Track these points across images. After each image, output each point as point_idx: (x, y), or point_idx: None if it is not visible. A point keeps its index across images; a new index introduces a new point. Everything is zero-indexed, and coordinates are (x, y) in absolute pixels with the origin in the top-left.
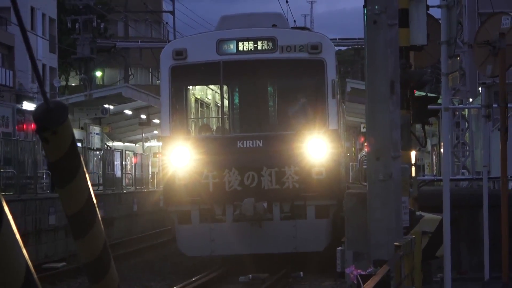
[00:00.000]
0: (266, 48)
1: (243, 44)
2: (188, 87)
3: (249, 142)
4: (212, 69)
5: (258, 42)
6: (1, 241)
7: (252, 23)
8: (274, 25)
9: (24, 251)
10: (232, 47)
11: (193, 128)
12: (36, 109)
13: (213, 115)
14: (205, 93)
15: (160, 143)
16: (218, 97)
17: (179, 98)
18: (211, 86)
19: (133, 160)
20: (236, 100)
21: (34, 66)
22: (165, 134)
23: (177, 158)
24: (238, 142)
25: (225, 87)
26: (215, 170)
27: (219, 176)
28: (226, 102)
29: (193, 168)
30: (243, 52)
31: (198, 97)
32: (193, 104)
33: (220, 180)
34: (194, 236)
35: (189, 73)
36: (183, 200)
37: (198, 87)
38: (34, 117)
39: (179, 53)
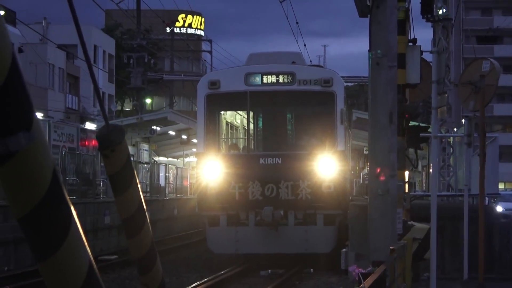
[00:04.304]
0: (286, 81)
1: (267, 77)
2: (220, 112)
3: (270, 159)
4: (241, 98)
5: (280, 76)
6: (69, 242)
7: (275, 60)
8: (293, 62)
9: (87, 249)
10: (257, 79)
11: (223, 147)
12: (99, 130)
13: (241, 136)
14: (234, 117)
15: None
16: (245, 121)
17: (212, 121)
18: (239, 112)
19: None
20: (260, 124)
21: (98, 95)
22: (200, 150)
23: (209, 171)
24: (261, 159)
25: (251, 113)
26: (240, 182)
27: (244, 187)
28: (251, 125)
29: (222, 179)
30: (267, 84)
31: (229, 120)
32: (224, 127)
33: (244, 190)
34: (222, 237)
35: (221, 100)
36: (214, 206)
37: (228, 112)
38: (97, 137)
39: (213, 84)
